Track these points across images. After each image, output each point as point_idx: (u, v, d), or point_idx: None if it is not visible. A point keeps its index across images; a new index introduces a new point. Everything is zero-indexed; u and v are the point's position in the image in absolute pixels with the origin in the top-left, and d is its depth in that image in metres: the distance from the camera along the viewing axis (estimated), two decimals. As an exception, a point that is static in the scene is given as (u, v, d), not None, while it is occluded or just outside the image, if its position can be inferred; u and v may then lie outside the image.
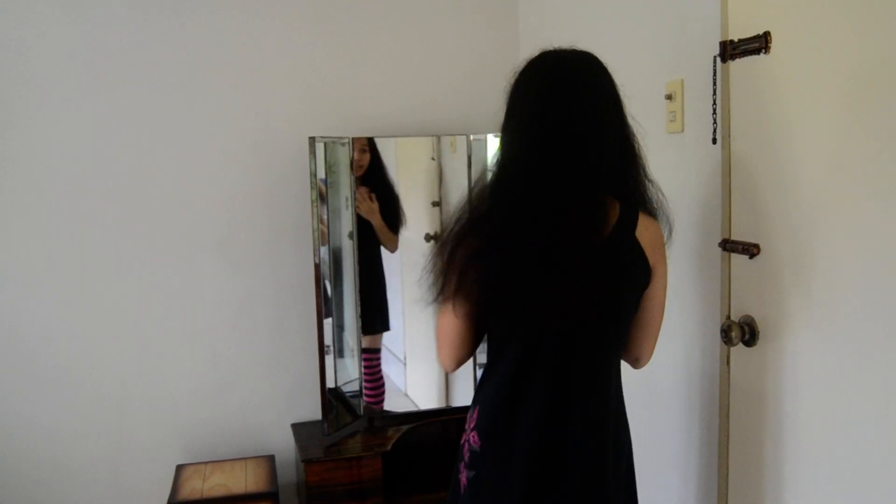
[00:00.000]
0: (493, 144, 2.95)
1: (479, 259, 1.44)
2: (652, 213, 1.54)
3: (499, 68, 3.07)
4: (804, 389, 1.58)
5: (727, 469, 1.85)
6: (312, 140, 2.66)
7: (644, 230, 1.50)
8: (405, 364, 3.08)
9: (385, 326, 3.06)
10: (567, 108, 1.43)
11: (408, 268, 3.03)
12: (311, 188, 2.69)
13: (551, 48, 1.52)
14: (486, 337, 1.57)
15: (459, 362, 1.58)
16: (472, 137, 2.95)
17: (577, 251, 1.42)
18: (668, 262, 1.58)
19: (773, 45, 1.60)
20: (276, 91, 2.91)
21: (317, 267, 2.72)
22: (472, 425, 1.56)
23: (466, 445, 1.57)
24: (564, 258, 1.41)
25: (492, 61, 3.11)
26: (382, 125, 3.00)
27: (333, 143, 2.79)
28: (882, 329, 1.37)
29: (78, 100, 2.72)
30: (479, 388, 1.60)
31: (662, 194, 1.56)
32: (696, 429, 1.99)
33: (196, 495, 2.50)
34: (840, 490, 1.50)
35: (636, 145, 1.52)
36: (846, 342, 1.46)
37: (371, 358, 3.00)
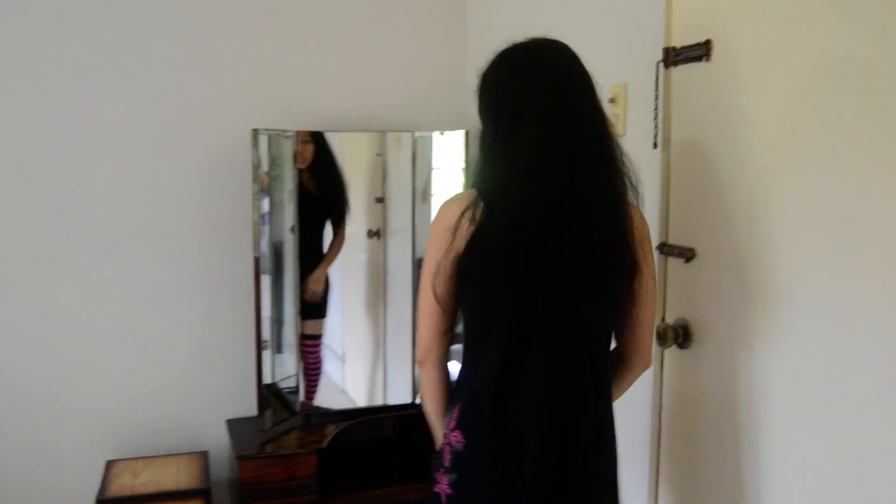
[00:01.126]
0: (438, 142, 2.95)
1: (478, 246, 1.40)
2: (635, 202, 1.48)
3: (445, 66, 3.13)
4: (736, 390, 1.62)
5: (658, 467, 1.88)
6: (255, 132, 2.62)
7: (637, 221, 1.47)
8: (343, 360, 3.06)
9: (322, 312, 3.02)
10: (560, 95, 1.40)
11: (349, 264, 3.01)
12: (253, 181, 2.65)
13: (526, 39, 1.47)
14: (462, 333, 1.53)
15: (434, 348, 1.52)
16: (416, 134, 2.95)
17: (576, 245, 1.37)
18: None
19: (715, 53, 1.63)
20: (219, 82, 2.85)
21: (256, 261, 2.68)
22: (452, 426, 1.48)
23: (447, 449, 1.48)
24: (562, 252, 1.36)
25: (438, 59, 3.11)
26: (328, 119, 2.98)
27: (277, 135, 2.75)
28: (812, 331, 1.41)
29: (9, 88, 2.62)
30: (458, 386, 1.52)
31: (638, 179, 1.49)
32: (631, 429, 2.02)
33: (126, 491, 2.44)
34: (771, 489, 1.53)
35: (611, 128, 1.47)
36: (777, 344, 1.50)
37: (315, 344, 2.97)
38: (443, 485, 1.48)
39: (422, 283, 1.49)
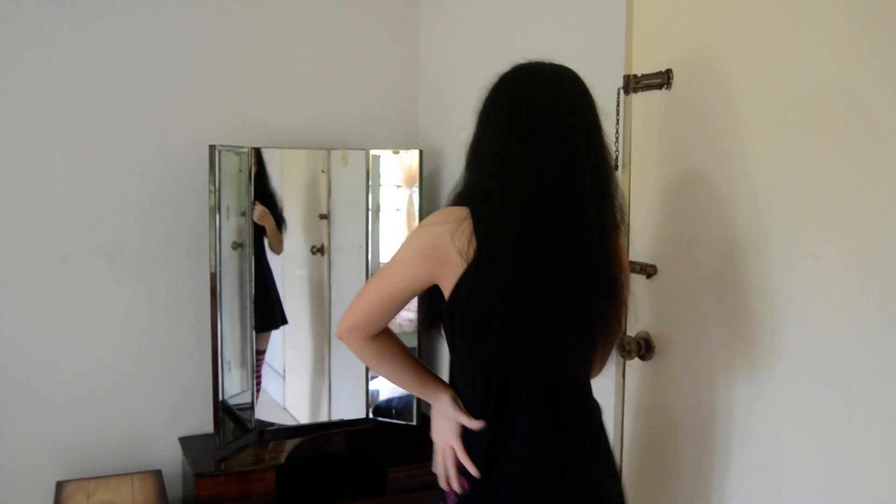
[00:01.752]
0: (389, 160, 2.99)
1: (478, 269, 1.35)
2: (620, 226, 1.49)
3: (398, 85, 3.19)
4: (696, 400, 1.72)
5: (620, 473, 1.96)
6: (213, 148, 2.63)
7: (621, 246, 1.49)
8: (284, 377, 3.05)
9: (284, 320, 3.02)
10: (569, 119, 1.38)
11: (290, 280, 3.01)
12: (210, 194, 2.65)
13: (533, 61, 1.45)
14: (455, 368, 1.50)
15: (360, 326, 1.44)
16: (372, 152, 2.99)
17: (573, 282, 1.36)
18: None
19: (675, 81, 1.73)
20: (175, 96, 2.85)
21: (213, 276, 2.67)
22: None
23: (452, 497, 1.49)
24: (560, 289, 1.35)
25: (392, 80, 3.17)
26: (281, 135, 3.00)
27: (232, 151, 2.75)
28: (770, 343, 1.52)
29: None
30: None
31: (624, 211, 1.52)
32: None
33: (80, 513, 2.40)
34: (732, 497, 1.63)
35: (609, 158, 1.45)
36: (736, 356, 1.60)
37: (259, 360, 2.96)
38: None
39: (386, 272, 1.44)
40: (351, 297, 2.88)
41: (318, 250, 3.05)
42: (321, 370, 3.06)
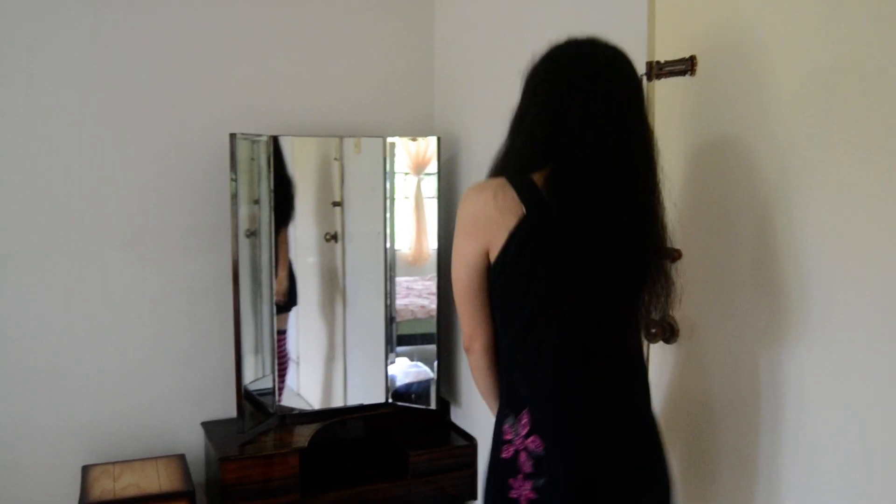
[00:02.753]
0: (404, 147, 3.01)
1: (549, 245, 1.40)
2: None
3: (413, 74, 3.20)
4: (719, 384, 1.74)
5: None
6: (233, 137, 2.65)
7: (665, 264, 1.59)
8: (298, 364, 3.08)
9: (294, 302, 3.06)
10: (625, 104, 1.44)
11: (302, 267, 3.03)
12: (231, 183, 2.67)
13: (589, 36, 1.49)
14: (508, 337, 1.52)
15: (477, 336, 1.50)
16: (388, 140, 3.00)
17: (628, 257, 1.45)
18: None
19: (699, 67, 1.75)
20: (195, 86, 2.88)
21: (234, 263, 2.70)
22: (524, 431, 1.46)
23: (524, 455, 1.46)
24: (617, 263, 1.44)
25: (407, 67, 3.19)
26: (296, 123, 3.01)
27: (252, 140, 2.78)
28: (793, 327, 1.54)
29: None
30: (514, 393, 1.50)
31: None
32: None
33: (108, 496, 2.44)
34: (757, 480, 1.66)
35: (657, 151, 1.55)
36: (759, 339, 1.62)
37: (280, 340, 2.99)
38: (524, 490, 1.47)
39: (454, 274, 1.50)
40: (366, 283, 2.86)
41: (331, 237, 3.07)
42: (335, 356, 3.09)
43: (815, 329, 1.50)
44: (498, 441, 1.52)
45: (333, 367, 3.10)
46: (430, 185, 3.03)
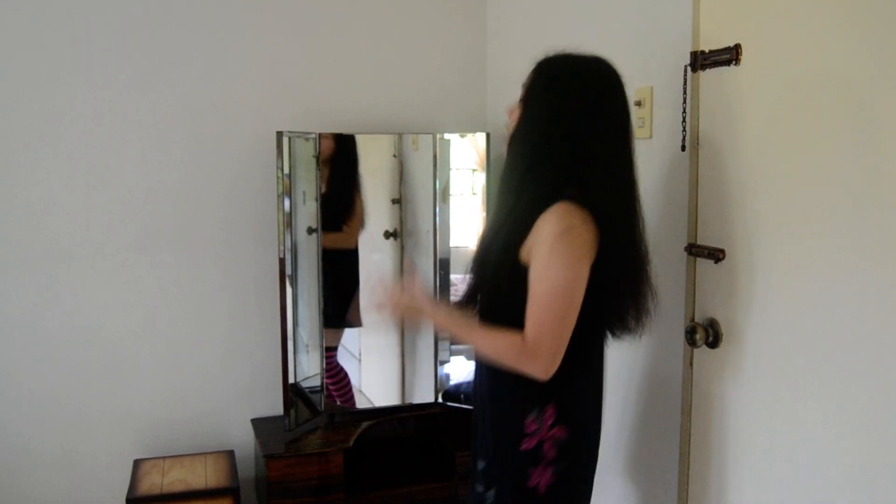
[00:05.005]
0: (457, 144, 2.97)
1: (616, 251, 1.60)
2: None
3: (465, 70, 3.15)
4: (764, 391, 1.64)
5: (688, 468, 1.90)
6: (280, 135, 2.65)
7: None
8: (360, 361, 3.08)
9: (346, 323, 3.04)
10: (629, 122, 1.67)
11: (365, 264, 3.02)
12: (278, 182, 2.68)
13: (584, 52, 1.67)
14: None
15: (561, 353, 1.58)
16: (439, 136, 2.97)
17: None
18: None
19: (744, 57, 1.65)
20: (242, 84, 2.89)
21: (281, 262, 2.70)
22: (550, 422, 1.62)
23: (548, 444, 1.63)
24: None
25: (459, 63, 3.14)
26: (347, 121, 3.00)
27: (299, 137, 2.78)
28: (837, 334, 1.43)
29: (39, 89, 2.66)
30: (547, 388, 1.59)
31: None
32: (659, 429, 2.04)
33: (156, 490, 2.47)
34: (800, 491, 1.55)
35: None
36: (804, 346, 1.52)
37: (328, 357, 2.98)
38: (543, 477, 1.63)
39: (571, 300, 1.54)
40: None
41: (390, 235, 3.06)
42: (396, 355, 3.08)
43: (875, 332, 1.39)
44: (518, 435, 1.64)
45: (392, 365, 3.09)
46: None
